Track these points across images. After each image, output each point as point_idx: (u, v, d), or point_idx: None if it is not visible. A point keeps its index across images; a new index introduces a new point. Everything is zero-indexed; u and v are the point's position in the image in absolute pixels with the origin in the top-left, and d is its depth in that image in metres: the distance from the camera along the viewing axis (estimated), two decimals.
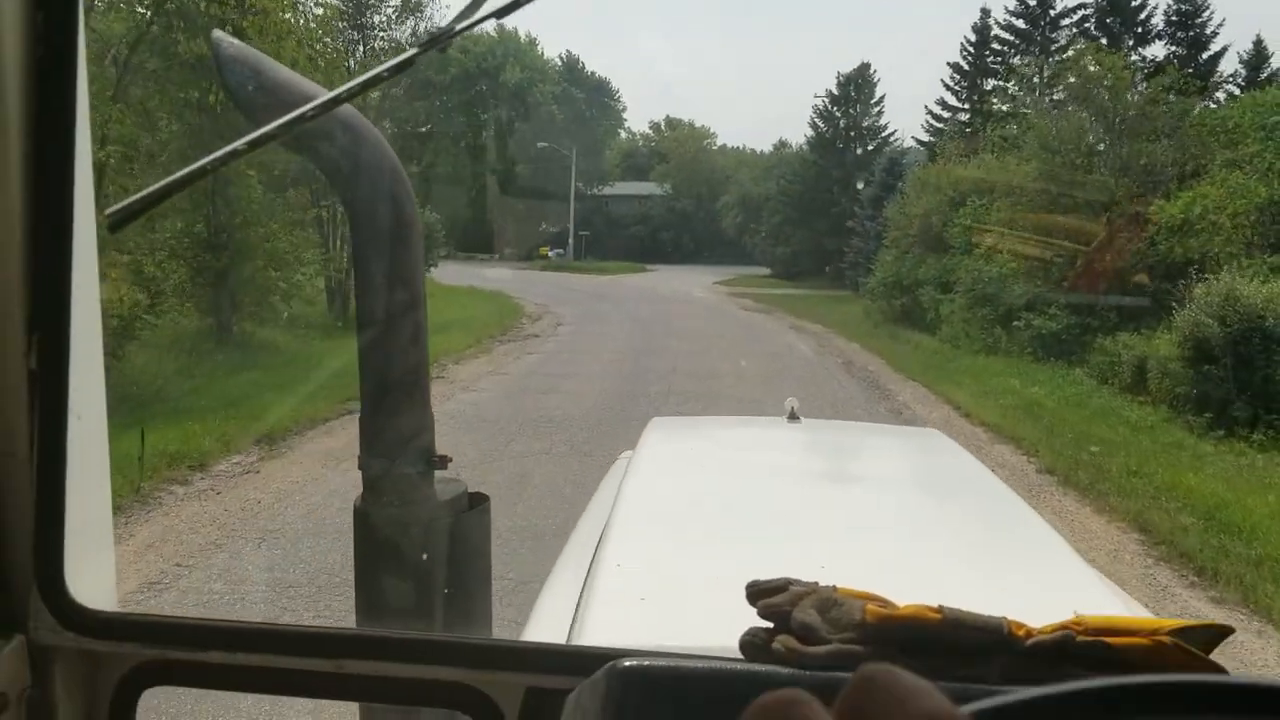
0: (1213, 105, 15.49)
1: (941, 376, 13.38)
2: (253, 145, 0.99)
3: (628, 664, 0.85)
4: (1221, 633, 0.85)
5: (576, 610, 1.69)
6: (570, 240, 47.57)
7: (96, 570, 1.10)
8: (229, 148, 0.98)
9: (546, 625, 1.85)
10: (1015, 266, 16.02)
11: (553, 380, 12.50)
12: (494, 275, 34.33)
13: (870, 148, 37.62)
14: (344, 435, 9.12)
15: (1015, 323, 14.86)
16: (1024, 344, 14.54)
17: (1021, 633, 0.82)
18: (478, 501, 1.46)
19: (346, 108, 1.32)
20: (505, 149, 50.94)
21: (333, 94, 1.04)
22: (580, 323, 21.25)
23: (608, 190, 55.58)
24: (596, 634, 1.45)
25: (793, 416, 3.07)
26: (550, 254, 46.95)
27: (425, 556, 1.38)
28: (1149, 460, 8.25)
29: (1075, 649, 0.81)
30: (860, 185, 32.67)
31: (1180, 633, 0.80)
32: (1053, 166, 14.60)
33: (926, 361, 15.32)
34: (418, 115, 52.30)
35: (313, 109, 1.00)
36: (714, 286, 35.04)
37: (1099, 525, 6.76)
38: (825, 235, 35.27)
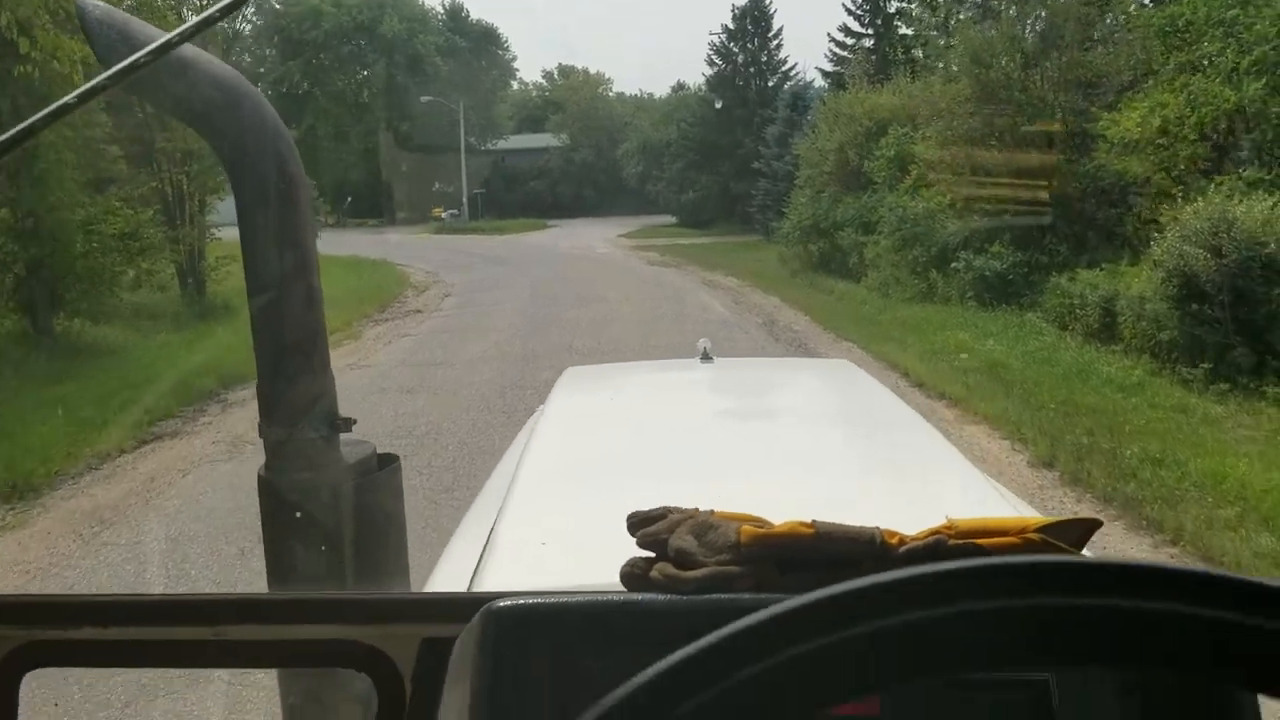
0: (1149, 3, 13.74)
1: (877, 333, 11.58)
2: (96, 90, 0.89)
3: (501, 604, 0.83)
4: (1090, 527, 0.82)
5: (479, 561, 1.62)
6: (464, 200, 44.99)
7: None
8: (78, 90, 0.89)
9: (450, 576, 1.78)
10: (944, 200, 14.28)
11: (424, 373, 10.37)
12: (382, 242, 31.89)
13: (771, 83, 36.03)
14: (128, 480, 6.93)
15: (953, 264, 13.12)
16: (964, 288, 12.82)
17: (895, 541, 0.81)
18: (387, 462, 1.43)
19: (221, 66, 1.32)
20: (390, 107, 48.36)
21: (169, 35, 0.92)
22: (470, 292, 19.04)
23: (502, 145, 53.30)
24: (495, 580, 1.43)
25: (705, 357, 3.05)
26: (444, 216, 44.30)
27: (334, 521, 1.35)
28: (1164, 438, 6.50)
29: (947, 552, 0.79)
30: (764, 124, 30.96)
31: (1049, 529, 0.79)
32: (985, 83, 12.76)
33: (856, 314, 13.52)
34: (292, 76, 49.26)
35: (149, 52, 0.90)
36: (618, 240, 33.17)
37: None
38: (731, 179, 34.01)
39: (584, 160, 51.69)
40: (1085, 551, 0.84)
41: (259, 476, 1.36)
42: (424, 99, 44.65)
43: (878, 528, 0.82)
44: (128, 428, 8.08)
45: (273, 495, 1.35)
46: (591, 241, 32.19)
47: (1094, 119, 12.27)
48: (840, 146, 18.20)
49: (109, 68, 0.99)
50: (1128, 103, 11.67)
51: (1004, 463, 6.39)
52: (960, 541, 0.80)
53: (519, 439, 2.73)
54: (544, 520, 1.75)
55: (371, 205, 46.08)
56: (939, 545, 0.80)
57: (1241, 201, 8.84)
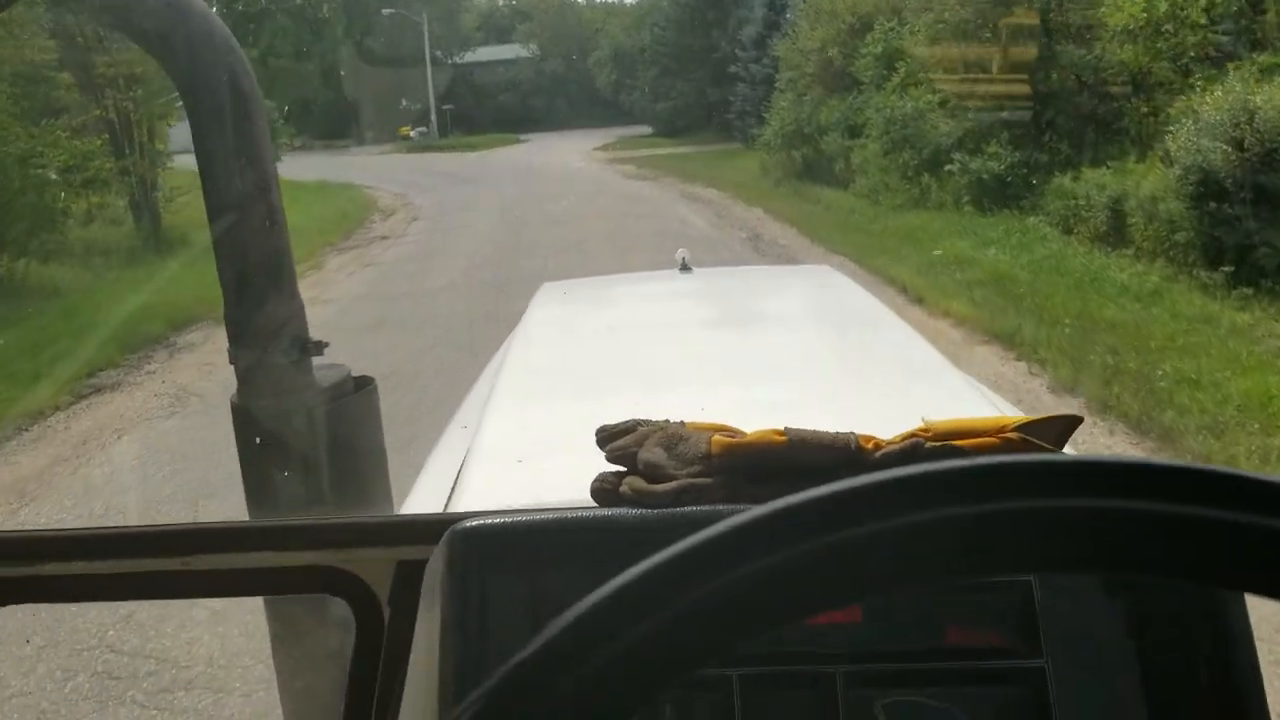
0: None
1: (871, 245, 10.91)
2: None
3: (467, 525, 0.82)
4: (1071, 423, 0.80)
5: (456, 478, 1.60)
6: (432, 116, 43.64)
7: None
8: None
9: (426, 496, 1.78)
10: (934, 99, 13.48)
11: (388, 307, 9.68)
12: (349, 164, 30.87)
13: None
14: (57, 443, 6.28)
15: (946, 167, 12.38)
16: (959, 192, 12.11)
17: (870, 445, 0.79)
18: (363, 384, 1.41)
19: None
20: (351, 21, 46.73)
21: None
22: (438, 215, 18.22)
23: (470, 57, 51.75)
24: (471, 500, 1.39)
25: (684, 267, 3.03)
26: (412, 134, 42.99)
27: (311, 446, 1.34)
28: (1194, 354, 5.92)
29: (924, 455, 0.78)
30: (740, 25, 29.84)
31: (1028, 427, 0.77)
32: None
33: (846, 224, 12.82)
34: None
35: None
36: (592, 153, 32.16)
37: None
38: (708, 85, 33.05)
39: (555, 71, 50.36)
40: (1067, 449, 0.80)
41: (232, 404, 1.32)
42: (385, 11, 43.01)
43: (852, 433, 0.80)
44: (63, 381, 7.41)
45: (247, 422, 1.32)
46: (565, 156, 31.21)
47: (1095, 4, 11.44)
48: (823, 45, 17.27)
49: None
50: None
51: (1022, 389, 5.81)
52: (937, 444, 0.79)
53: (497, 355, 2.71)
54: (520, 436, 1.70)
55: (338, 126, 44.89)
56: (916, 448, 0.79)
57: (1259, 89, 8.14)
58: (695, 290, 3.03)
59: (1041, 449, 0.77)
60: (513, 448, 1.62)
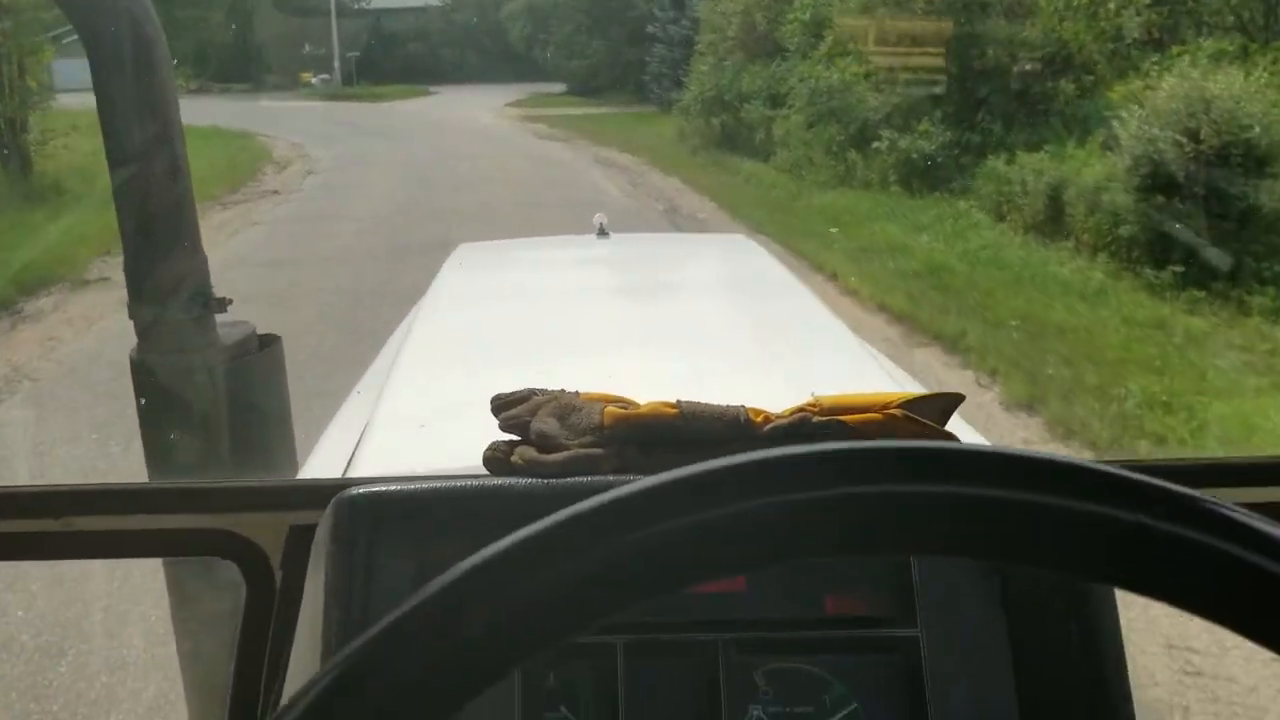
0: None
1: (795, 225, 10.26)
2: None
3: (354, 492, 0.80)
4: (953, 401, 0.82)
5: (355, 445, 1.54)
6: (336, 63, 41.69)
7: None
8: None
9: (325, 461, 1.69)
10: (859, 71, 12.87)
11: (267, 276, 8.68)
12: (247, 110, 29.13)
13: None
14: None
15: (874, 144, 11.79)
16: (886, 171, 11.52)
17: (760, 419, 0.81)
18: (268, 343, 1.40)
19: None
20: None
21: None
22: (336, 170, 17.03)
23: (379, 4, 49.61)
24: (368, 466, 1.35)
25: (602, 232, 3.00)
26: (313, 80, 40.98)
27: (211, 404, 1.31)
28: (1156, 368, 5.38)
29: (811, 429, 0.80)
30: None
31: (912, 404, 0.80)
32: None
33: (768, 200, 12.16)
34: None
35: None
36: (504, 110, 30.97)
37: None
38: (624, 44, 31.97)
39: (466, 22, 48.67)
40: (950, 427, 0.82)
41: (131, 359, 1.31)
42: None
43: (743, 406, 0.81)
44: None
45: (145, 378, 1.30)
46: (475, 111, 29.99)
47: None
48: (746, 9, 16.50)
49: None
50: None
51: (971, 402, 5.20)
52: (824, 419, 0.80)
53: (407, 317, 2.66)
54: (423, 402, 1.66)
55: (238, 69, 42.75)
56: (804, 423, 0.80)
57: (1214, 77, 7.67)
58: (611, 256, 3.04)
59: (925, 426, 0.79)
60: (415, 413, 1.59)
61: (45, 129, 16.75)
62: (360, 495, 0.80)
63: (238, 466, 1.31)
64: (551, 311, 2.31)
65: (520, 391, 0.89)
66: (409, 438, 1.47)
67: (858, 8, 12.50)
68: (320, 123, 26.77)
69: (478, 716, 0.74)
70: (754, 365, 1.84)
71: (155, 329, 1.28)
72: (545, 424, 0.83)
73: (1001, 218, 9.61)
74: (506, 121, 27.19)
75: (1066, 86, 10.40)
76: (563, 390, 0.88)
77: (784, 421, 0.80)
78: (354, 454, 1.48)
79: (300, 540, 0.87)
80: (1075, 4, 10.10)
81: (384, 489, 0.81)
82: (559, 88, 37.11)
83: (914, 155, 11.00)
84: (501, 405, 0.88)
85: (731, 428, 0.80)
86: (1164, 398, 4.87)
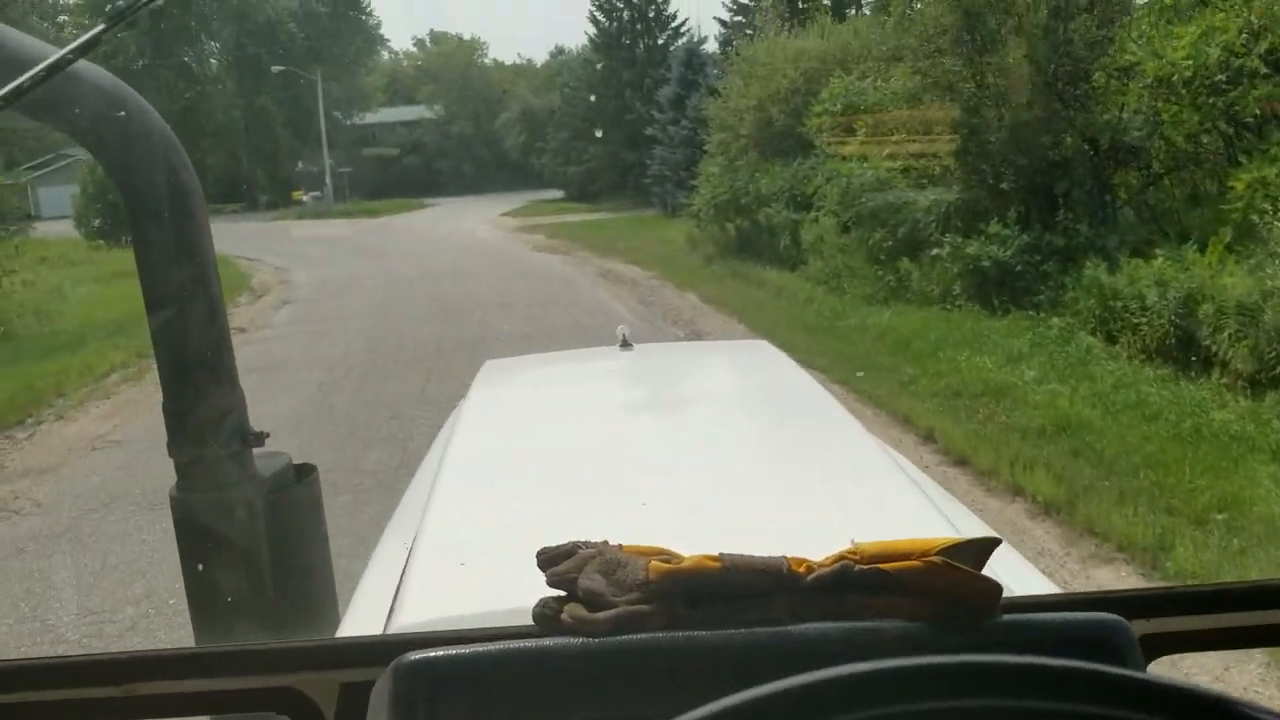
0: None
1: (851, 354, 8.37)
2: None
3: (412, 659, 0.81)
4: (990, 545, 0.82)
5: (398, 586, 1.59)
6: (328, 180, 40.56)
7: None
8: None
9: (368, 607, 1.77)
10: (894, 165, 11.18)
11: None
12: (234, 232, 27.71)
13: (661, 40, 32.75)
14: None
15: (932, 251, 9.98)
16: (949, 282, 9.70)
17: (802, 569, 0.81)
18: (305, 473, 1.43)
19: (104, 75, 1.26)
20: (242, 80, 43.99)
21: (60, 53, 0.92)
22: (314, 299, 15.30)
23: (371, 118, 49.12)
24: (410, 614, 1.37)
25: (625, 344, 2.99)
26: (305, 198, 39.80)
27: (252, 538, 1.33)
28: None
29: (854, 578, 0.79)
30: (656, 85, 28.12)
31: (949, 551, 0.79)
32: (967, 7, 9.55)
33: (806, 321, 10.29)
34: (127, 49, 44.16)
35: (38, 72, 0.90)
36: (500, 220, 29.59)
37: None
38: (622, 147, 30.96)
39: (461, 133, 48.09)
40: (986, 571, 0.81)
41: (171, 497, 1.34)
42: (275, 69, 40.15)
43: (784, 557, 0.81)
44: None
45: (185, 516, 1.34)
46: (471, 223, 28.62)
47: (1118, 51, 9.22)
48: (760, 104, 14.95)
49: None
50: (1169, 28, 8.64)
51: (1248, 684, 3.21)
52: (866, 567, 0.80)
53: (438, 441, 2.70)
54: (461, 536, 1.69)
55: (230, 189, 41.90)
56: (845, 572, 0.79)
57: None
58: (635, 369, 3.05)
59: (965, 573, 0.78)
60: (453, 550, 1.61)
61: None
62: (417, 661, 0.80)
63: (279, 597, 1.28)
64: (581, 431, 2.33)
65: (565, 545, 0.86)
66: (450, 580, 1.48)
67: (902, 95, 10.84)
68: (307, 243, 25.31)
69: None
70: (788, 490, 1.83)
71: (194, 467, 1.28)
72: (592, 581, 0.82)
73: (1112, 339, 7.72)
74: (502, 233, 25.67)
75: (1175, 178, 8.62)
76: (605, 543, 0.86)
77: (826, 571, 0.79)
78: (396, 601, 1.49)
79: (352, 696, 0.87)
80: (1172, 78, 8.37)
81: (440, 654, 0.81)
82: (557, 194, 36.00)
83: (985, 263, 9.16)
84: (548, 560, 0.85)
85: (774, 579, 0.79)
86: None
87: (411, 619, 1.31)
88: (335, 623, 1.85)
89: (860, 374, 7.65)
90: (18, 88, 0.85)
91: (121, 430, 7.88)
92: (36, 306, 16.27)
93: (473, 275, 16.34)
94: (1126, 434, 5.61)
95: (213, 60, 47.25)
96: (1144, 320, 7.40)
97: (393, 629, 1.36)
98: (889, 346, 8.40)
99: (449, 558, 1.57)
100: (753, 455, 2.16)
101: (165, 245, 1.28)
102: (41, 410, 8.78)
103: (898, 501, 1.75)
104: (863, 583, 0.79)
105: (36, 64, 0.89)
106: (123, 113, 1.22)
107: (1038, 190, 9.60)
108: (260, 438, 1.37)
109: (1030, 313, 8.67)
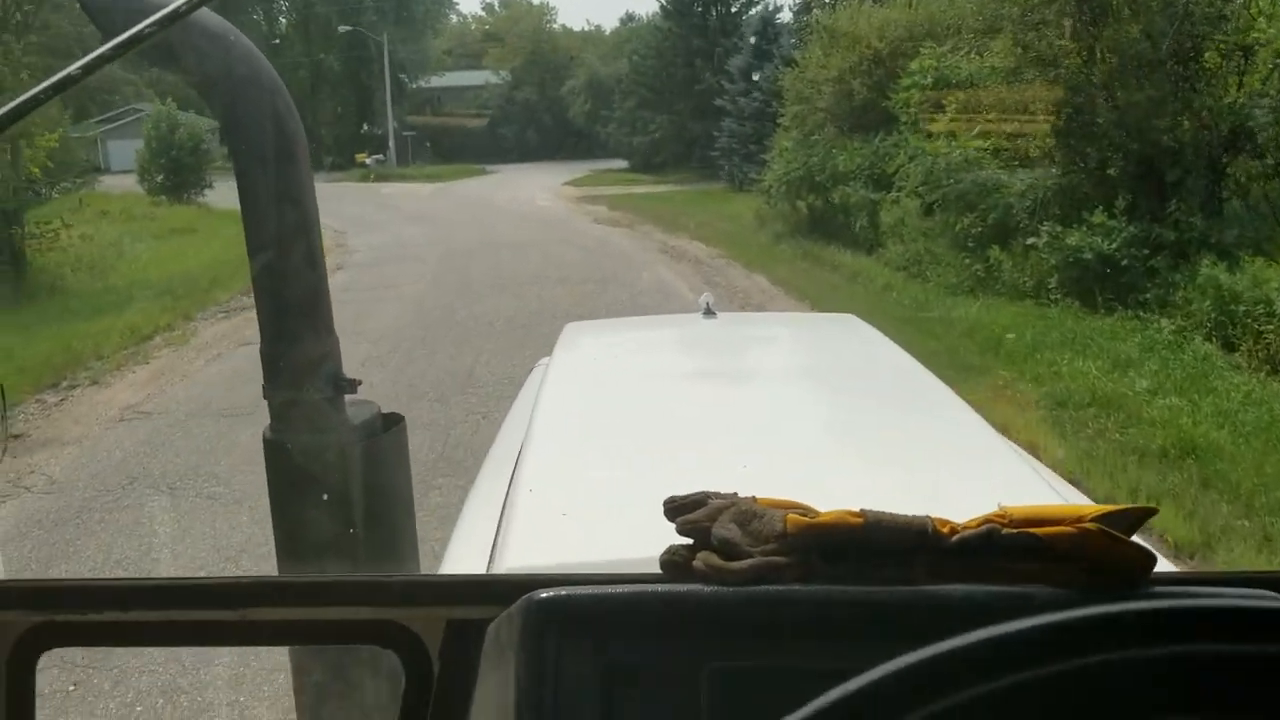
0: None
1: (937, 350, 7.62)
2: (102, 60, 0.93)
3: (544, 595, 0.80)
4: (1144, 515, 0.79)
5: (496, 533, 1.64)
6: (391, 143, 40.35)
7: None
8: (82, 61, 0.91)
9: (466, 551, 1.80)
10: (986, 145, 10.38)
11: (229, 433, 6.33)
12: None
13: (735, 9, 31.80)
14: None
15: (1028, 239, 9.20)
16: (1044, 274, 8.93)
17: (946, 530, 0.78)
18: (392, 422, 1.42)
19: (214, 19, 1.27)
20: (309, 40, 43.94)
21: (177, 3, 0.94)
22: (369, 265, 14.90)
23: (437, 82, 48.75)
24: (516, 557, 1.44)
25: (708, 312, 2.98)
26: (368, 161, 39.59)
27: (343, 482, 1.35)
28: None
29: (1001, 541, 0.76)
30: (727, 55, 27.39)
31: (1104, 518, 0.76)
32: None
33: (886, 309, 9.56)
34: None
35: (161, 18, 0.93)
36: (562, 190, 29.01)
37: None
38: (689, 118, 30.24)
39: (527, 99, 47.52)
40: (1135, 538, 0.78)
41: (265, 439, 1.33)
42: (342, 29, 39.92)
43: (929, 516, 0.79)
44: None
45: (279, 458, 1.34)
46: (532, 191, 28.06)
47: (1240, 28, 8.35)
48: (840, 76, 14.14)
49: (92, 14, 1.08)
50: None
51: None
52: (1014, 531, 0.77)
53: (522, 397, 2.71)
54: (560, 489, 1.70)
55: None
56: (992, 535, 0.77)
57: None
58: (722, 338, 3.02)
59: (1122, 541, 0.75)
60: (554, 501, 1.61)
61: (38, 222, 14.91)
62: (550, 598, 0.80)
63: (367, 543, 1.29)
64: (672, 395, 2.31)
65: (695, 495, 0.85)
66: (553, 528, 1.51)
67: (1000, 71, 10.01)
68: (368, 206, 24.97)
69: None
70: (889, 456, 1.80)
71: (289, 410, 1.28)
72: (728, 530, 0.81)
73: (1230, 346, 6.95)
74: (564, 203, 25.10)
75: None
76: (736, 494, 0.85)
77: (971, 533, 0.77)
78: (497, 544, 1.54)
79: (459, 634, 0.88)
80: None
81: (571, 592, 0.80)
82: (620, 164, 35.31)
83: (1087, 255, 8.37)
84: (676, 509, 0.85)
85: (917, 538, 0.77)
86: None
87: (517, 563, 1.32)
88: (417, 570, 1.79)
89: (959, 378, 6.96)
90: (138, 34, 0.89)
91: (154, 401, 7.47)
92: (92, 261, 16.08)
93: (531, 247, 15.81)
94: (1263, 462, 4.89)
95: (281, 19, 47.35)
96: (1270, 327, 6.63)
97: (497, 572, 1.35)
98: (979, 344, 7.69)
99: (548, 509, 1.58)
100: (854, 425, 2.12)
101: (269, 190, 1.28)
102: (77, 373, 8.43)
103: (1007, 476, 1.70)
104: (1010, 546, 0.76)
105: (154, 11, 0.92)
106: (232, 56, 1.23)
107: (1147, 178, 8.78)
108: (353, 385, 1.38)
109: (1137, 312, 7.89)
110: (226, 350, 9.35)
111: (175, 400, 7.46)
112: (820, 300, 10.35)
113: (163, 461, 5.93)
